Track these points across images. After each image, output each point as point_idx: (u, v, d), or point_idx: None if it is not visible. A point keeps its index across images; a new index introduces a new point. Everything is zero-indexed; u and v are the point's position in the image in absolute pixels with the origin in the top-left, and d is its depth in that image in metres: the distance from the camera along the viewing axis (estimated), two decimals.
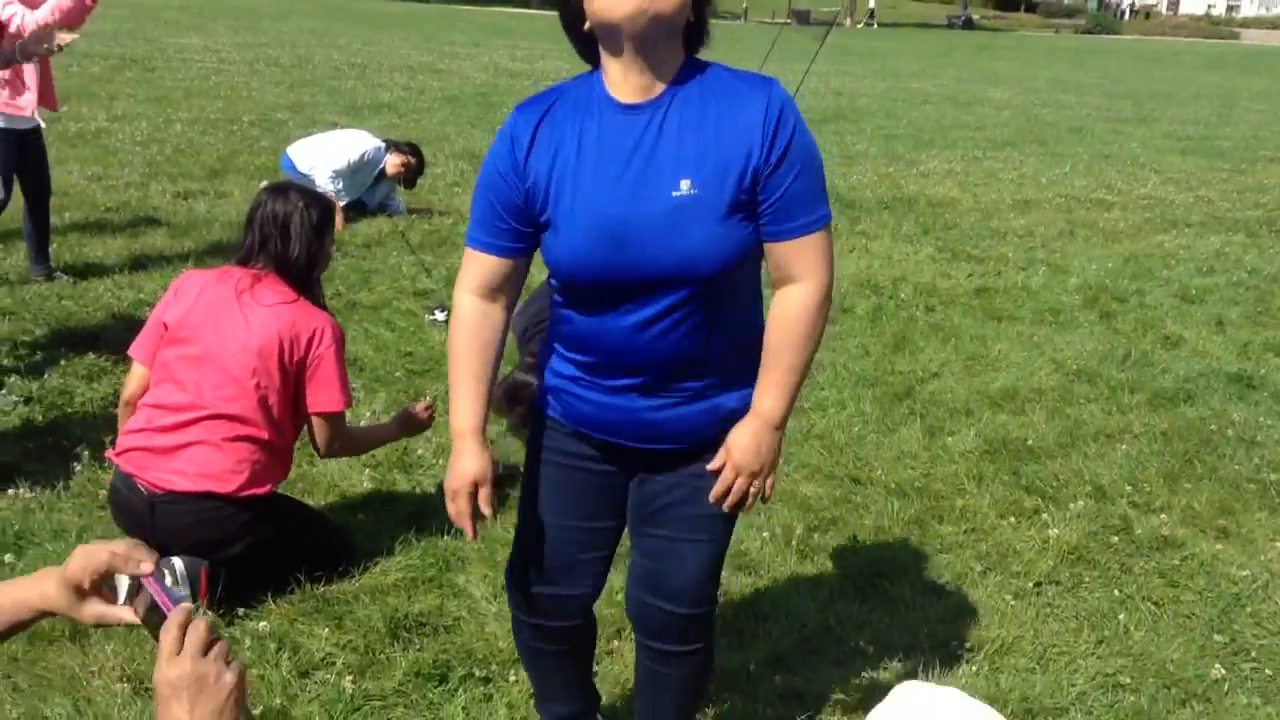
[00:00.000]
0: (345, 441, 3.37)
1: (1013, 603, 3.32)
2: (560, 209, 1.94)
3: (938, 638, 3.12)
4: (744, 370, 2.07)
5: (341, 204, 7.42)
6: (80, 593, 1.38)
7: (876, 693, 2.89)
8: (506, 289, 2.08)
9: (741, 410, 2.07)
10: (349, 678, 2.80)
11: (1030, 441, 4.45)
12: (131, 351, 3.26)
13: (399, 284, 6.17)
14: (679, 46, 1.91)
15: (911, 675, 2.97)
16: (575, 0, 1.88)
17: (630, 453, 2.14)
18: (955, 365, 5.33)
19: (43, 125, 5.49)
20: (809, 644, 3.12)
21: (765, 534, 3.66)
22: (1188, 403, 5.01)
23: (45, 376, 4.49)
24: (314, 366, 3.14)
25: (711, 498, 2.05)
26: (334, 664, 2.86)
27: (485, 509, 2.08)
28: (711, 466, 2.06)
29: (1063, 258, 7.56)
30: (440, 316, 5.56)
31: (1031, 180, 10.70)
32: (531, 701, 2.77)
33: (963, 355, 5.47)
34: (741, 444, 2.01)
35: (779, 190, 1.89)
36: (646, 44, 1.85)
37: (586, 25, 1.89)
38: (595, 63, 1.96)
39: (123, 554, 1.37)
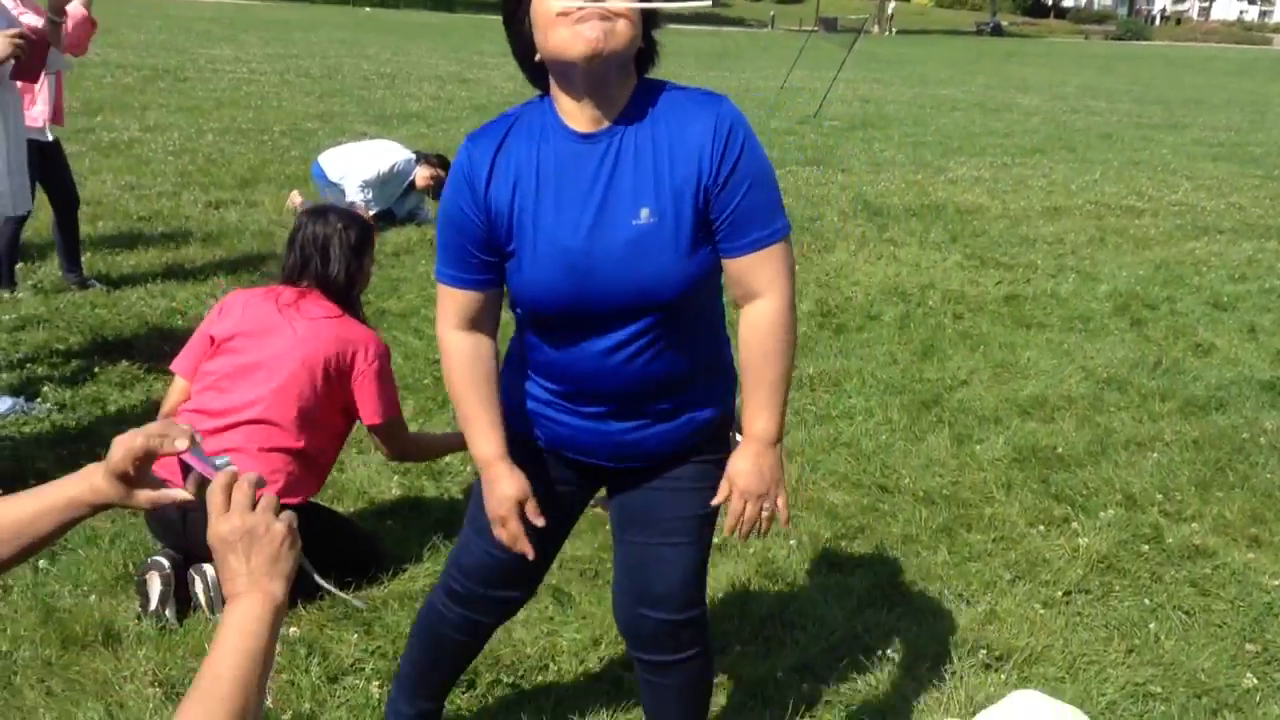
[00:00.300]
0: (408, 449, 3.51)
1: (1042, 612, 3.30)
2: (523, 241, 1.94)
3: (966, 646, 3.11)
4: (714, 385, 2.10)
5: (370, 213, 7.48)
6: (128, 481, 1.42)
7: (904, 701, 2.89)
8: (488, 318, 2.08)
9: (715, 420, 2.11)
10: (377, 683, 2.82)
11: (1060, 449, 4.42)
12: (174, 366, 3.33)
13: (427, 292, 6.21)
14: (631, 73, 1.91)
15: (940, 681, 2.96)
16: (527, 33, 1.87)
17: (605, 470, 2.19)
18: (984, 373, 5.30)
19: (50, 138, 5.51)
20: (836, 652, 3.12)
21: (792, 542, 3.66)
22: (1219, 411, 4.96)
23: (79, 384, 4.55)
24: (359, 381, 3.22)
25: (726, 529, 2.05)
26: (363, 669, 2.88)
27: (537, 520, 2.09)
28: (717, 500, 2.07)
29: (1093, 265, 7.51)
30: None
31: (1061, 187, 10.64)
32: (558, 707, 2.78)
33: (991, 363, 5.44)
34: (744, 469, 2.01)
35: (730, 206, 1.91)
36: (600, 78, 1.85)
37: (538, 57, 1.88)
38: (546, 89, 1.96)
39: (158, 433, 1.40)
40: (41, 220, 5.51)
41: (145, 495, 1.45)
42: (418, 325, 5.65)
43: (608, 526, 3.67)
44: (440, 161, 7.83)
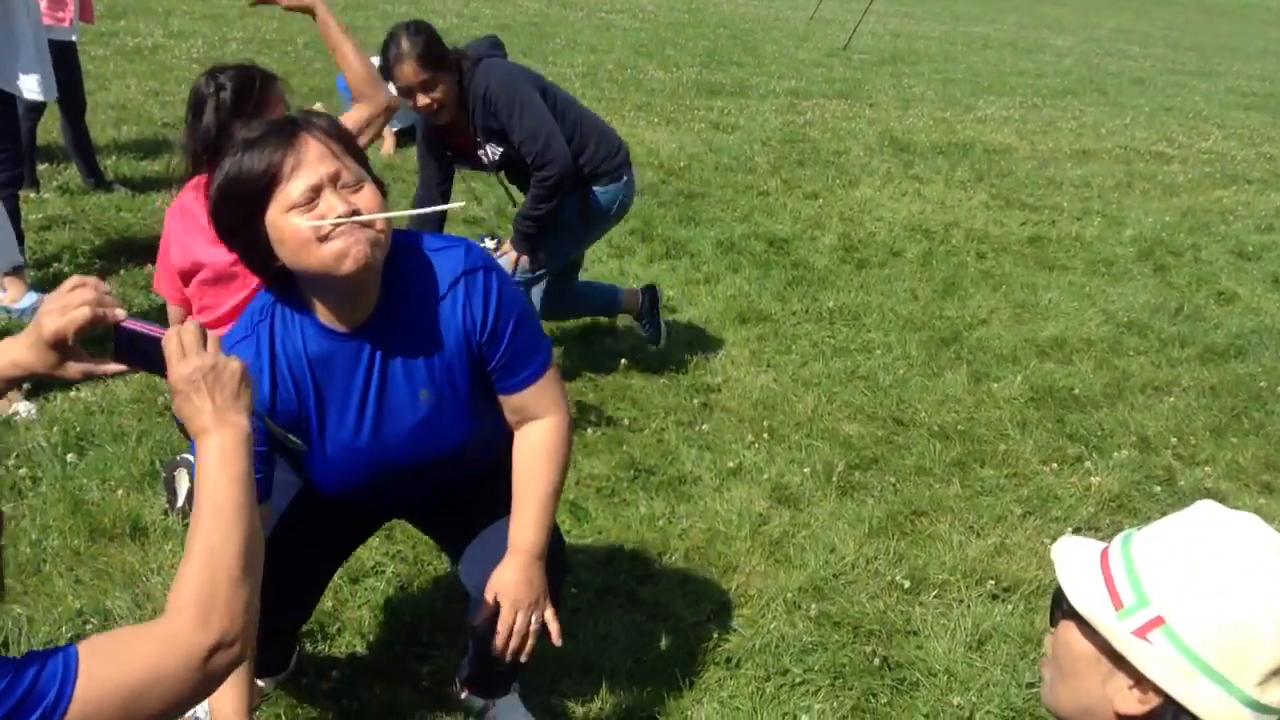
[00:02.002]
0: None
1: (1050, 546, 3.33)
2: (311, 444, 1.95)
3: (975, 575, 3.15)
4: (497, 446, 2.13)
5: (394, 129, 7.44)
6: (64, 351, 1.43)
7: (910, 625, 2.94)
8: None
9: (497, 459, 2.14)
10: (396, 585, 2.88)
11: (1077, 390, 4.44)
12: (156, 288, 3.15)
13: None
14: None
15: (948, 609, 3.02)
16: (265, 243, 1.76)
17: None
18: (1004, 313, 5.30)
19: (75, 38, 5.49)
20: (846, 575, 3.17)
21: (806, 469, 3.70)
22: (1238, 359, 4.96)
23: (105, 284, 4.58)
24: None
25: (499, 642, 2.00)
26: (383, 572, 2.94)
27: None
28: (480, 620, 2.04)
29: (1119, 209, 7.45)
30: (490, 244, 5.58)
31: (1091, 130, 10.50)
32: (574, 617, 2.84)
33: (1012, 303, 5.43)
34: (513, 580, 2.00)
35: (501, 350, 1.95)
36: (362, 284, 1.82)
37: (280, 264, 1.78)
38: (284, 288, 1.86)
39: (96, 300, 1.42)
40: (60, 127, 5.50)
41: (77, 367, 1.47)
42: None
43: (624, 447, 3.72)
44: None
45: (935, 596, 3.08)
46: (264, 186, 1.71)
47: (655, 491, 3.51)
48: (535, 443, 2.03)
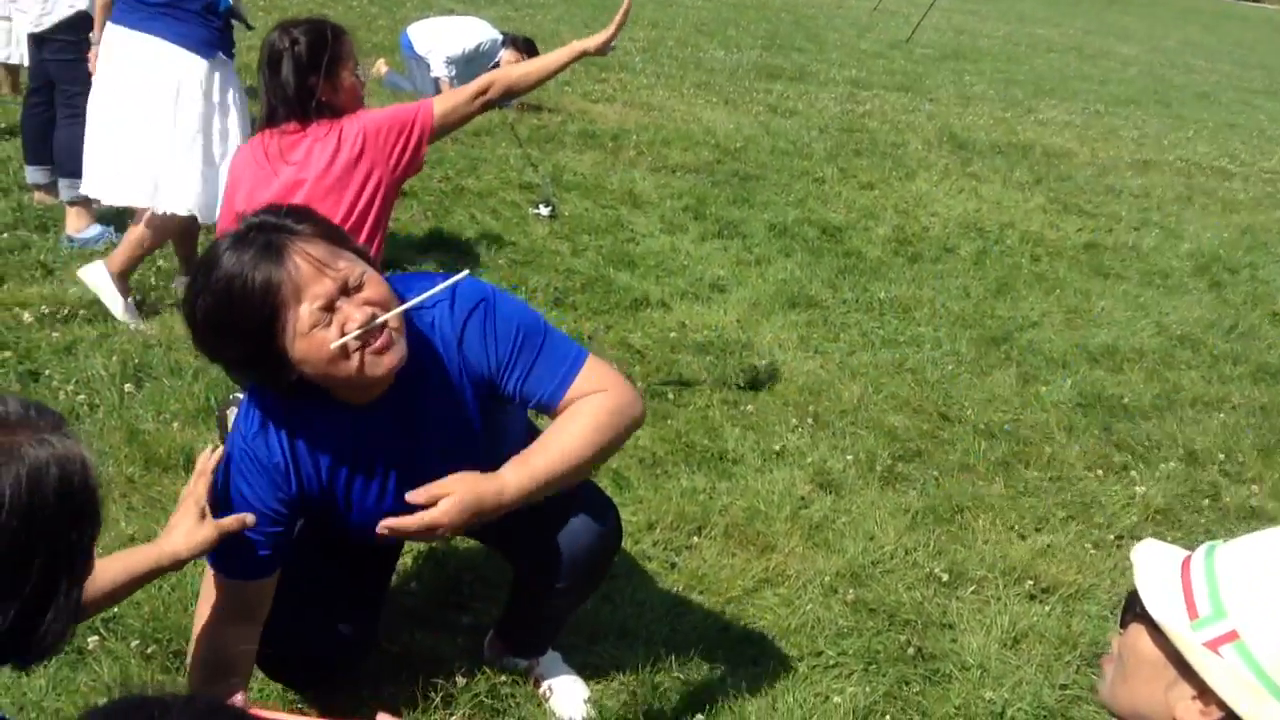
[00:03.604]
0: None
1: (1092, 551, 3.32)
2: (340, 513, 1.90)
3: (1014, 574, 3.15)
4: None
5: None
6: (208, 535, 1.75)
7: (946, 618, 2.94)
8: (262, 606, 1.89)
9: None
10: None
11: (1126, 400, 4.40)
12: (220, 232, 3.09)
13: (505, 175, 6.23)
14: None
15: (985, 605, 3.02)
16: (282, 368, 1.67)
17: None
18: (1056, 316, 5.25)
19: None
20: (883, 564, 3.17)
21: (849, 456, 3.70)
22: None
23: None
24: (385, 127, 3.04)
25: (388, 522, 1.77)
26: None
27: None
28: (416, 496, 1.78)
29: (1177, 222, 7.36)
30: (544, 211, 5.61)
31: (1153, 141, 10.37)
32: (613, 582, 2.87)
33: (1064, 308, 5.39)
34: (464, 491, 1.77)
35: (521, 372, 1.87)
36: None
37: (297, 376, 1.70)
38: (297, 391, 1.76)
39: (197, 490, 1.79)
40: None
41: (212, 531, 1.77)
42: (495, 206, 5.68)
43: (669, 421, 3.73)
44: (528, 46, 7.76)
45: (973, 592, 3.08)
46: (267, 318, 1.61)
47: (697, 466, 3.52)
48: (574, 408, 1.88)
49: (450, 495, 1.75)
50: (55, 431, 1.14)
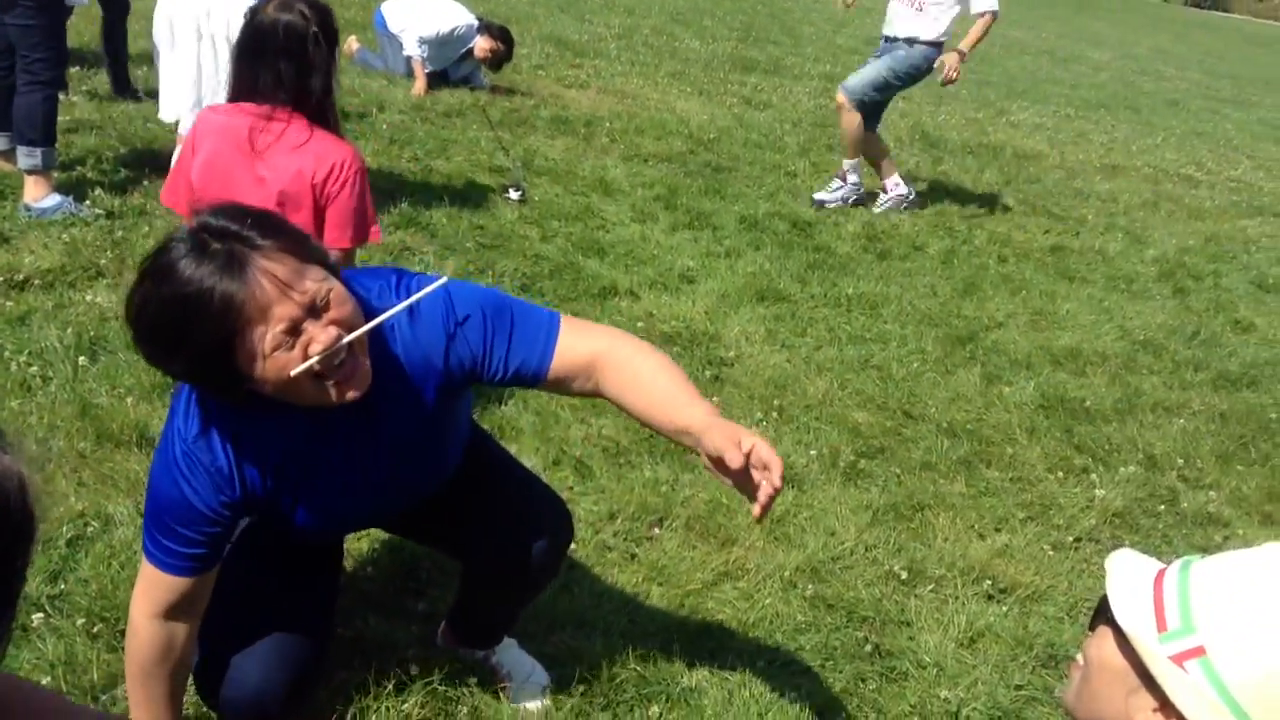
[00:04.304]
0: None
1: (1050, 553, 3.34)
2: (290, 511, 1.83)
3: (972, 574, 3.15)
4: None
5: (427, 70, 7.39)
6: None
7: (904, 615, 2.94)
8: (196, 604, 1.81)
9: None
10: None
11: (1088, 403, 4.43)
12: (165, 200, 3.01)
13: (475, 158, 6.16)
14: None
15: (943, 604, 3.02)
16: (235, 382, 1.57)
17: None
18: (1021, 318, 5.28)
19: None
20: (843, 560, 3.17)
21: (812, 451, 3.69)
22: (1250, 388, 4.94)
23: (127, 194, 4.55)
24: (332, 201, 2.87)
25: (765, 497, 1.65)
26: None
27: None
28: (735, 462, 1.63)
29: (1143, 228, 7.42)
30: (514, 196, 5.57)
31: (1121, 146, 10.45)
32: (572, 572, 2.84)
33: (1030, 309, 5.41)
34: (723, 432, 1.65)
35: (503, 353, 1.82)
36: None
37: (253, 388, 1.60)
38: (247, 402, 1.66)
39: None
40: (94, 31, 5.44)
41: None
42: (464, 188, 5.62)
43: None
44: (502, 34, 7.69)
45: (931, 590, 3.08)
46: (224, 338, 1.50)
47: (661, 458, 3.50)
48: (623, 369, 1.80)
49: (740, 437, 1.63)
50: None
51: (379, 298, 1.75)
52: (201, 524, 1.72)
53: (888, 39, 6.28)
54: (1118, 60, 19.60)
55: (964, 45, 6.19)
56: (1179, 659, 1.09)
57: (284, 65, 2.83)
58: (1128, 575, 1.18)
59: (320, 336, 1.55)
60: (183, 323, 1.49)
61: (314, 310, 1.55)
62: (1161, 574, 1.16)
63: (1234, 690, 1.07)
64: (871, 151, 6.49)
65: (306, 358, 1.55)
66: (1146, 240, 7.10)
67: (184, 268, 1.48)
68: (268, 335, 1.52)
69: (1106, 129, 11.35)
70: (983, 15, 6.11)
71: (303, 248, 1.59)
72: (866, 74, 6.27)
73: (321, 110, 2.92)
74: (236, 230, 1.52)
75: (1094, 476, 3.84)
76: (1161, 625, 1.11)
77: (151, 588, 1.76)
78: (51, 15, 4.16)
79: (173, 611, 1.78)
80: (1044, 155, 9.21)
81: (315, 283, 1.56)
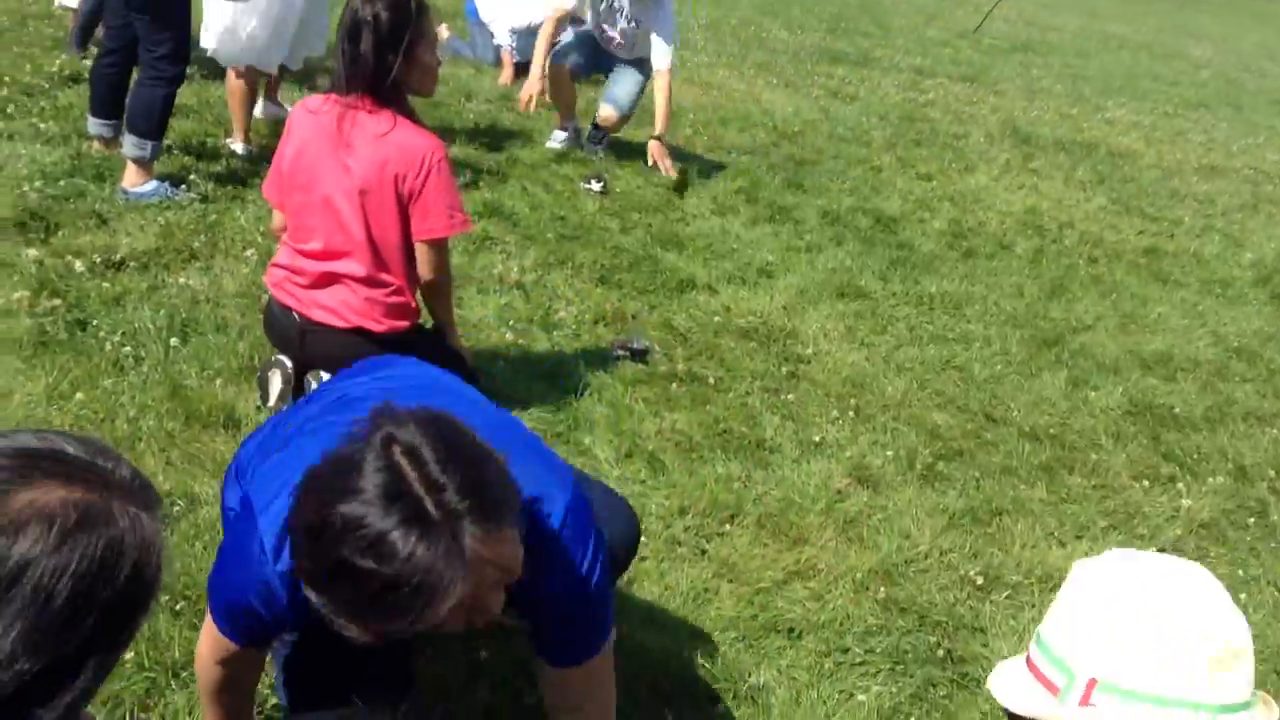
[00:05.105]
0: (447, 275, 3.18)
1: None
2: None
3: (1050, 582, 3.09)
4: None
5: (515, 60, 7.44)
6: None
7: (976, 622, 2.90)
8: (257, 661, 1.86)
9: None
10: None
11: (1177, 410, 4.31)
12: (265, 192, 3.20)
13: (557, 150, 6.19)
14: None
15: (1018, 610, 2.97)
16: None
17: None
18: (1110, 321, 5.15)
19: None
20: (917, 564, 3.13)
21: (889, 452, 3.65)
22: None
23: (222, 181, 4.66)
24: (418, 193, 2.97)
25: None
26: None
27: None
28: None
29: (1241, 231, 7.18)
30: (595, 187, 5.58)
31: (1221, 146, 10.11)
32: (641, 564, 2.85)
33: (1120, 312, 5.28)
34: None
35: (549, 635, 1.76)
36: None
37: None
38: None
39: None
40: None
41: None
42: (547, 179, 5.65)
43: (708, 406, 3.70)
44: None
45: (1007, 597, 3.03)
46: (422, 613, 1.34)
47: (734, 454, 3.49)
48: None
49: None
50: (149, 511, 1.06)
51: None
52: (264, 631, 1.70)
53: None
54: (1220, 56, 18.96)
55: (659, 127, 5.88)
56: (1085, 701, 1.16)
57: (362, 54, 2.91)
58: (1007, 676, 1.25)
59: (492, 604, 1.42)
60: (396, 602, 1.32)
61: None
62: (1028, 657, 1.24)
63: (1140, 685, 1.14)
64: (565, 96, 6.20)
65: (469, 621, 1.43)
66: (1244, 243, 6.87)
67: (406, 547, 1.29)
68: (452, 609, 1.36)
69: (1206, 128, 11.00)
70: (659, 74, 5.81)
71: (493, 501, 1.38)
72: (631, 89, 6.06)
73: (399, 99, 2.98)
74: (452, 505, 1.32)
75: (1181, 486, 3.74)
76: (1053, 690, 1.19)
77: (213, 639, 1.75)
78: (180, 10, 4.27)
79: (234, 661, 1.78)
80: (1140, 154, 8.96)
81: (515, 556, 1.41)
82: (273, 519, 1.56)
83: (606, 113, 6.08)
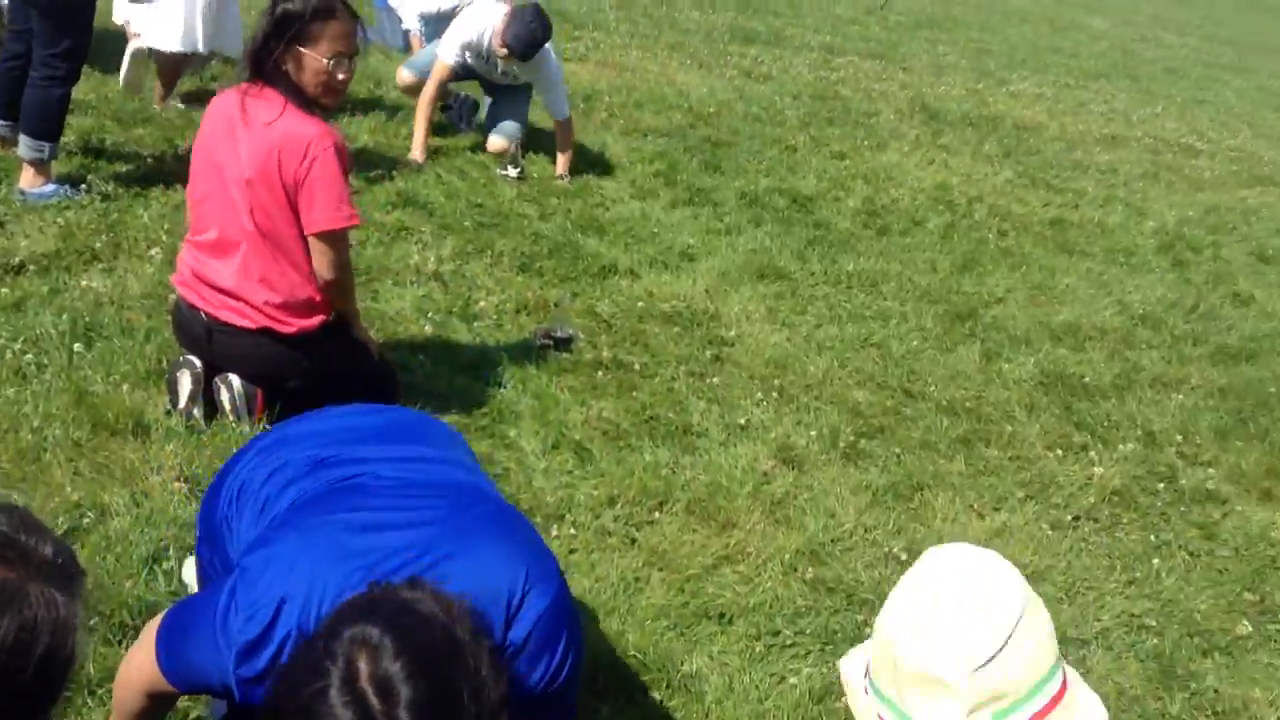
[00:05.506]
0: (346, 271, 3.07)
1: (1049, 533, 3.35)
2: None
3: None
4: None
5: (423, 46, 7.32)
6: None
7: None
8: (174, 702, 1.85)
9: None
10: None
11: (1087, 379, 4.42)
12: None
13: (475, 137, 6.12)
14: None
15: None
16: None
17: None
18: (1020, 293, 5.26)
19: None
20: (844, 542, 3.18)
21: (813, 432, 3.69)
22: (1250, 362, 4.94)
23: (123, 180, 4.51)
24: (302, 183, 2.87)
25: None
26: None
27: None
28: None
29: (1143, 199, 7.38)
30: (512, 173, 5.53)
31: (1121, 116, 10.38)
32: (571, 556, 2.85)
33: (1029, 284, 5.40)
34: None
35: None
36: None
37: None
38: None
39: None
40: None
41: None
42: (463, 166, 5.58)
43: (634, 393, 3.70)
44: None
45: None
46: None
47: (661, 440, 3.50)
48: None
49: None
50: (66, 592, 1.03)
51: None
52: (208, 691, 1.68)
53: None
54: (1117, 28, 19.45)
55: (560, 167, 5.68)
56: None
57: (255, 35, 2.91)
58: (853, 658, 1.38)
59: None
60: None
61: None
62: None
63: (876, 682, 1.26)
64: None
65: None
66: (1146, 212, 7.07)
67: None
68: None
69: (1106, 98, 11.27)
70: (559, 123, 5.70)
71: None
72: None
73: (288, 85, 2.90)
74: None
75: (1093, 454, 3.84)
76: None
77: (150, 674, 1.70)
78: (83, 14, 4.11)
79: (163, 697, 1.75)
80: (1044, 126, 9.15)
81: None
82: (245, 628, 1.53)
83: (498, 144, 5.71)
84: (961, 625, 1.16)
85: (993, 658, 1.14)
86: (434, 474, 1.84)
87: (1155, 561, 3.29)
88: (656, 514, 3.13)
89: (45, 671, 1.01)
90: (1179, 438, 4.08)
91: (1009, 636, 1.15)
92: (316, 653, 1.27)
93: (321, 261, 2.99)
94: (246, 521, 1.76)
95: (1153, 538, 3.42)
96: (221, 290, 2.98)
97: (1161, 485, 3.72)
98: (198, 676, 1.61)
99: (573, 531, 2.97)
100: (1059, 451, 3.84)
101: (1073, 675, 1.25)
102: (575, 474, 3.24)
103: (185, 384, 3.11)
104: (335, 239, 2.98)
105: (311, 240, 2.97)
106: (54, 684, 1.03)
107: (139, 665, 1.73)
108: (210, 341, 3.03)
